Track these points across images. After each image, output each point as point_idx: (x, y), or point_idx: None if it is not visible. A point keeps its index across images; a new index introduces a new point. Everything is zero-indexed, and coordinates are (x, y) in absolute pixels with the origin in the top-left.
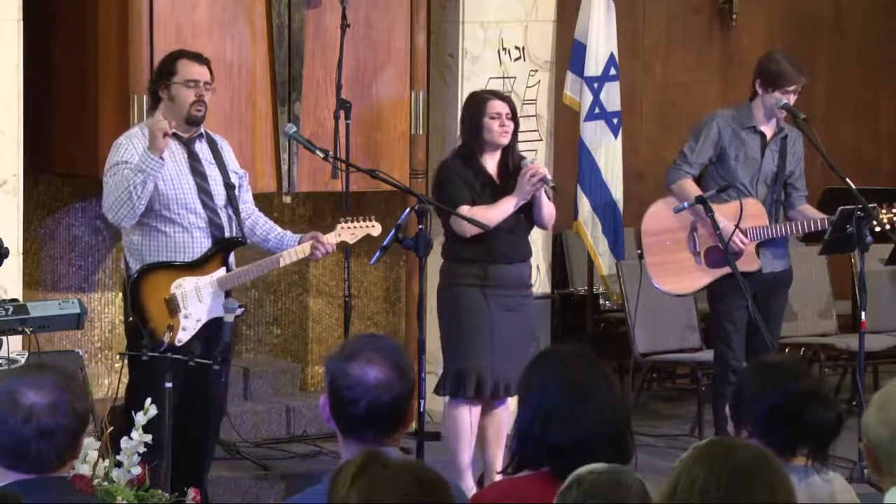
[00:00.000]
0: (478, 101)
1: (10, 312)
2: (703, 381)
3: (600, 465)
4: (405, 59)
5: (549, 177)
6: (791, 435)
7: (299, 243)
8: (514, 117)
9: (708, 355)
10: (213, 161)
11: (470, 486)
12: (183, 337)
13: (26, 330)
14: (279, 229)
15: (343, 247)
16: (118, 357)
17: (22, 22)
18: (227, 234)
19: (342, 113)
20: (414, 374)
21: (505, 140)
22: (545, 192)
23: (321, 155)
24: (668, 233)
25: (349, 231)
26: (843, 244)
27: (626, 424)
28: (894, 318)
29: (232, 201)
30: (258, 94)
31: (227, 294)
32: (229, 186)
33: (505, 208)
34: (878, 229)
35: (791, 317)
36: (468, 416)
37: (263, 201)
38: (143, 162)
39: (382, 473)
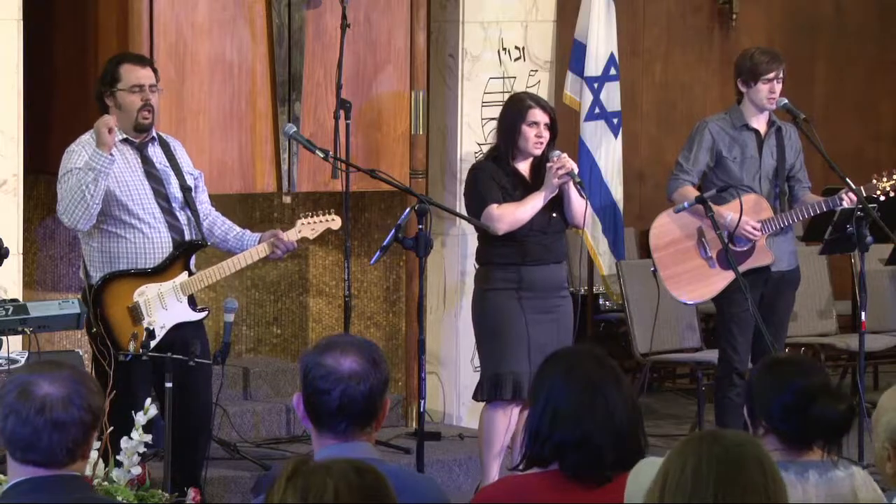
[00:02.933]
0: (518, 106)
1: (10, 312)
2: (703, 382)
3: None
4: (405, 59)
5: (577, 170)
6: (803, 429)
7: (259, 242)
8: (552, 127)
9: (707, 355)
10: (167, 164)
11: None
12: (150, 344)
13: (26, 330)
14: (238, 229)
15: (304, 242)
16: (122, 356)
17: (22, 22)
18: (186, 237)
19: (342, 113)
20: (388, 368)
21: (538, 151)
22: (574, 186)
23: (321, 155)
24: (676, 244)
25: (309, 227)
26: (843, 244)
27: (636, 424)
28: (894, 318)
29: (189, 203)
30: (258, 94)
31: (190, 299)
32: (185, 189)
33: (534, 204)
34: (882, 198)
35: (791, 317)
36: (503, 418)
37: (263, 201)
38: (92, 160)
39: (317, 469)
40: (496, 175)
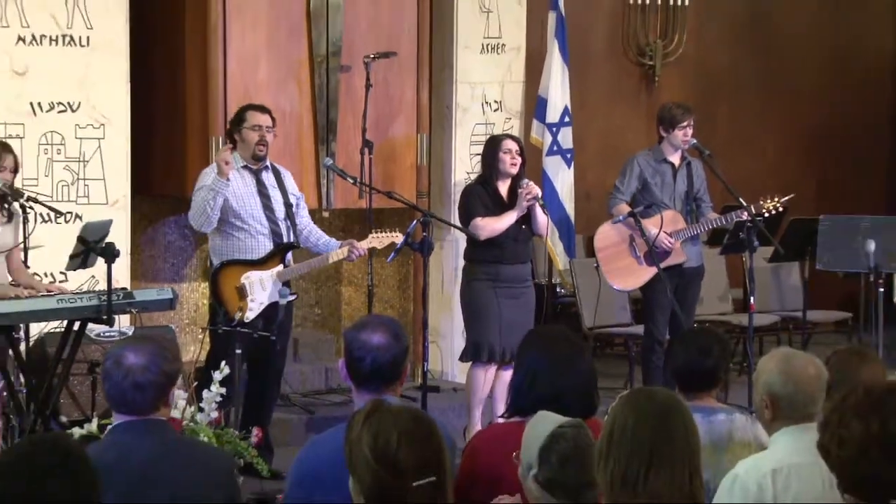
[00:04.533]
0: (495, 141)
1: (121, 297)
2: (634, 349)
3: (564, 419)
4: (413, 110)
5: (541, 195)
6: (690, 379)
7: (340, 248)
8: (521, 153)
9: (636, 329)
10: (276, 186)
11: (477, 429)
12: (249, 315)
13: (133, 310)
14: (326, 237)
15: (373, 251)
16: (201, 330)
17: (129, 83)
18: (284, 240)
19: (366, 150)
20: (407, 340)
21: (514, 171)
22: (539, 206)
23: (351, 181)
24: (614, 246)
25: (378, 239)
26: (737, 247)
27: (593, 383)
28: (775, 301)
29: (290, 216)
30: (304, 136)
31: (285, 284)
32: (288, 205)
33: (508, 219)
34: (766, 214)
35: (698, 301)
36: (483, 375)
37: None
38: (213, 184)
39: (387, 415)
40: (481, 195)
